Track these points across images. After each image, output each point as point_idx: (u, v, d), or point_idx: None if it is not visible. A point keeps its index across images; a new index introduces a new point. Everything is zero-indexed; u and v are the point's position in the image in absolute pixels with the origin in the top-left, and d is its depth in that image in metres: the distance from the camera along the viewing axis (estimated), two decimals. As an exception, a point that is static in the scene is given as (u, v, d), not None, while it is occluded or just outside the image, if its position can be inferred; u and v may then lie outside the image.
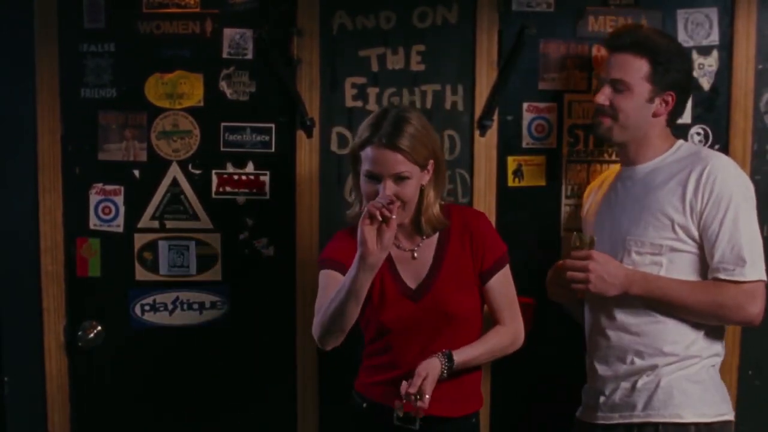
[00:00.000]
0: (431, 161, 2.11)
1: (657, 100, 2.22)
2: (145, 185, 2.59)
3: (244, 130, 2.58)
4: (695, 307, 2.12)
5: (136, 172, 2.58)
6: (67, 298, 2.60)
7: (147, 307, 2.60)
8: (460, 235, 2.19)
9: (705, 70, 2.52)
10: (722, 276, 2.10)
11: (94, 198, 2.59)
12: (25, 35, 2.51)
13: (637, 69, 2.20)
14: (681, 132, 2.50)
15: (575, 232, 2.27)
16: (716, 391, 2.19)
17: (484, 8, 2.54)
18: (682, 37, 2.50)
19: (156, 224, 2.60)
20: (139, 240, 2.60)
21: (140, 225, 2.60)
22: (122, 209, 2.59)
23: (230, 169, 2.59)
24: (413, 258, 2.18)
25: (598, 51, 2.52)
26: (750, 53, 2.50)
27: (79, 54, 2.55)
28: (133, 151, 2.58)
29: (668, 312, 2.16)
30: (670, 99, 2.23)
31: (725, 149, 2.51)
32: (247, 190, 2.60)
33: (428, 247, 2.19)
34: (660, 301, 2.14)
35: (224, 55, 2.56)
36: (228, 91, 2.57)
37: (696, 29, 2.51)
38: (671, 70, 2.21)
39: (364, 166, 2.07)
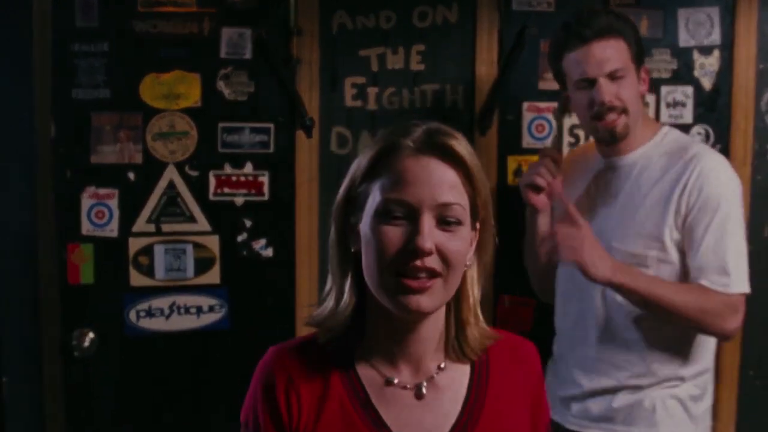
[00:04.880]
0: (482, 214, 1.24)
1: (640, 79, 2.09)
2: (140, 188, 2.52)
3: (243, 131, 2.55)
4: (680, 308, 1.95)
5: (131, 175, 2.52)
6: (61, 306, 2.53)
7: (143, 313, 2.54)
8: (511, 374, 1.31)
9: (706, 69, 2.51)
10: (705, 283, 1.96)
11: (86, 202, 2.51)
12: (22, 34, 2.46)
13: (622, 52, 2.03)
14: (682, 132, 2.49)
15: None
16: (698, 412, 2.09)
17: (484, 8, 2.53)
18: (684, 37, 2.50)
19: (152, 228, 2.53)
20: (135, 244, 2.53)
21: (135, 229, 2.52)
22: (116, 213, 2.52)
23: (228, 170, 2.55)
24: (418, 398, 1.25)
25: None
26: (751, 53, 2.50)
27: (72, 53, 2.47)
28: (128, 153, 2.51)
29: (654, 316, 2.01)
30: (645, 74, 2.11)
31: (726, 149, 2.51)
32: (245, 191, 2.57)
33: (452, 382, 1.28)
34: (646, 297, 1.95)
35: (222, 55, 2.52)
36: (226, 91, 2.53)
37: (697, 29, 2.51)
38: (639, 44, 2.08)
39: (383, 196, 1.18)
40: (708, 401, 2.13)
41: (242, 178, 2.56)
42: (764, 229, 2.53)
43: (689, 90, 2.52)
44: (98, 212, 2.51)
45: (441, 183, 1.17)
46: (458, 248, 1.18)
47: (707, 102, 2.53)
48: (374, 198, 1.19)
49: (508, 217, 2.58)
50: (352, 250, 1.24)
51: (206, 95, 2.53)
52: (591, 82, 2.03)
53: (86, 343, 2.52)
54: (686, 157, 2.04)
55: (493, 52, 2.54)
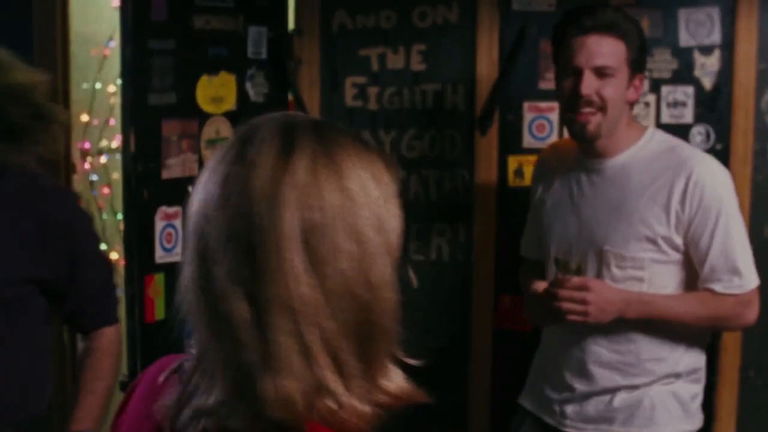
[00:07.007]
0: None
1: (631, 86, 2.04)
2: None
3: None
4: (693, 322, 2.00)
5: (191, 189, 2.30)
6: (141, 348, 2.14)
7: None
8: None
9: (706, 69, 2.51)
10: (719, 288, 1.97)
11: (159, 224, 2.18)
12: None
13: (618, 52, 1.97)
14: (683, 132, 2.49)
15: (558, 260, 2.12)
16: (694, 408, 2.11)
17: (484, 7, 2.53)
18: (684, 37, 2.50)
19: None
20: None
21: None
22: (181, 234, 2.20)
23: None
24: None
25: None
26: (751, 53, 2.49)
27: (147, 51, 2.13)
28: (188, 164, 2.24)
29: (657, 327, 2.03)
30: (638, 83, 2.05)
31: (726, 149, 2.51)
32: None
33: None
34: (657, 320, 2.00)
35: (249, 55, 2.40)
36: (251, 93, 2.43)
37: (697, 29, 2.51)
38: (641, 51, 2.04)
39: None
40: (701, 396, 2.13)
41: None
42: (764, 229, 2.53)
43: (689, 90, 2.52)
44: (168, 235, 2.22)
45: None
46: None
47: (707, 102, 2.52)
48: None
49: (508, 217, 2.59)
50: None
51: (239, 98, 2.38)
52: (577, 72, 1.98)
53: None
54: (677, 160, 2.01)
55: (493, 52, 2.55)
